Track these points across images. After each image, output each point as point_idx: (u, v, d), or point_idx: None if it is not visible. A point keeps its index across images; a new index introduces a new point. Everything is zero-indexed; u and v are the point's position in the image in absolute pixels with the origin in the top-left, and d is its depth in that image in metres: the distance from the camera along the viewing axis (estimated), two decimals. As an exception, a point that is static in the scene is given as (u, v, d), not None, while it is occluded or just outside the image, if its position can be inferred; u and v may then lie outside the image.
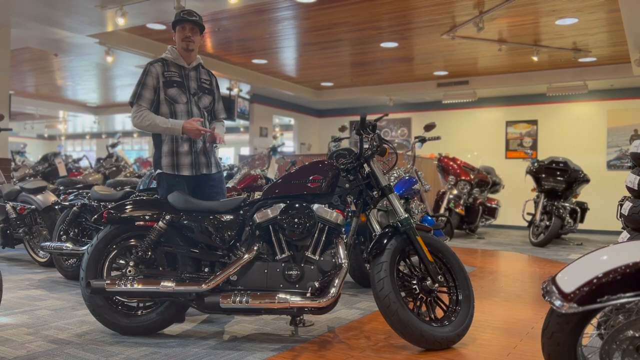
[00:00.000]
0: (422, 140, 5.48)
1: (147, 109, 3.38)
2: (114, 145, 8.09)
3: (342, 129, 6.54)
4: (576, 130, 10.70)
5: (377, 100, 12.26)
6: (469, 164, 9.24)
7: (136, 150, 19.32)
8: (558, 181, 7.87)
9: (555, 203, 7.85)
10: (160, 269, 3.12)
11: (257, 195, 5.64)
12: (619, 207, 3.68)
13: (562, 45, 8.13)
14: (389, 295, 2.82)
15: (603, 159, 10.43)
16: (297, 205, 3.00)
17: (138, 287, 2.94)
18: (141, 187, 4.74)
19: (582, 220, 8.22)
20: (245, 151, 15.15)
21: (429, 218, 4.85)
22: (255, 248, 3.01)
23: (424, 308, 3.03)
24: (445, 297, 3.13)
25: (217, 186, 3.57)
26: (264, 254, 3.04)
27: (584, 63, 9.23)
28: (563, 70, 9.69)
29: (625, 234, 3.51)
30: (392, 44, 8.18)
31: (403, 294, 2.98)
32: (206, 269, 3.09)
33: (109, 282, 2.96)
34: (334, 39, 7.93)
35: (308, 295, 2.87)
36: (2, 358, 2.65)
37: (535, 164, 8.13)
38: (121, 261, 3.18)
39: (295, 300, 2.85)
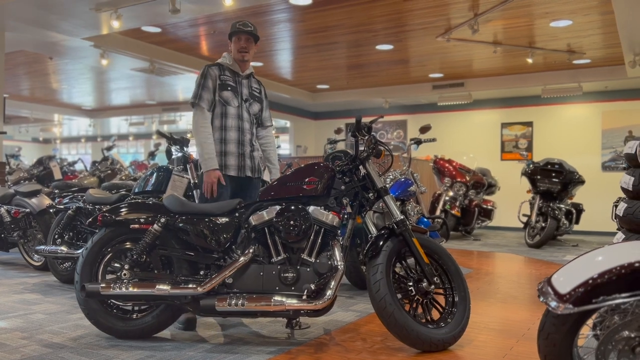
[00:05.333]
0: (418, 142, 5.48)
1: (208, 121, 3.51)
2: (109, 148, 8.06)
3: (338, 131, 6.54)
4: (571, 132, 10.74)
5: (372, 103, 12.27)
6: (465, 165, 9.26)
7: (131, 153, 19.28)
8: (553, 182, 7.90)
9: (551, 204, 7.87)
10: (156, 272, 3.11)
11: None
12: (614, 208, 3.69)
13: (556, 47, 8.17)
14: (385, 297, 2.82)
15: (598, 160, 10.47)
16: (292, 207, 2.99)
17: (133, 290, 2.93)
18: (136, 190, 4.72)
19: (577, 222, 8.25)
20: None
21: (425, 220, 4.85)
22: (251, 251, 3.01)
23: (420, 310, 3.03)
24: (441, 299, 3.12)
25: (254, 190, 3.72)
26: (260, 257, 3.03)
27: (578, 65, 9.27)
28: (558, 72, 9.73)
29: (620, 235, 3.51)
30: (387, 47, 8.19)
31: (399, 295, 2.97)
32: (202, 272, 3.07)
33: (103, 285, 2.94)
34: (330, 41, 7.94)
35: (304, 297, 2.86)
36: (-4, 362, 2.63)
37: (531, 166, 8.15)
38: (116, 264, 3.17)
39: (291, 302, 2.84)
